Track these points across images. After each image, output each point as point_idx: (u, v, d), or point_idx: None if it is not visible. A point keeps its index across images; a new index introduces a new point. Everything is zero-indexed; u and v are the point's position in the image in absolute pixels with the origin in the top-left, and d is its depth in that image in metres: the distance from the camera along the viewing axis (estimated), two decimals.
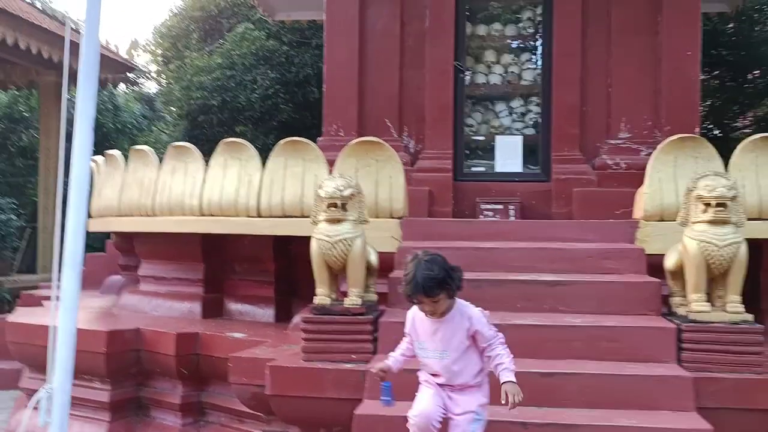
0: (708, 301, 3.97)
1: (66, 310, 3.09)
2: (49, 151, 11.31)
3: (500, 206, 6.80)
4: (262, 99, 12.31)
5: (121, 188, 6.33)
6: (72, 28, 9.68)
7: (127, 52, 12.76)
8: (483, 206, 6.79)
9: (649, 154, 5.18)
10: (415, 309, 3.21)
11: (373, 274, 4.36)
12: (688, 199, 4.04)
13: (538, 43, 7.45)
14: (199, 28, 14.46)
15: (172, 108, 14.37)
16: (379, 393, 3.65)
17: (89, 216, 6.89)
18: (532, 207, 6.88)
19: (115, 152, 6.80)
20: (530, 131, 7.43)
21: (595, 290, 4.39)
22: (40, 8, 11.03)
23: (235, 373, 4.44)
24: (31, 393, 5.07)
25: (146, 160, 6.15)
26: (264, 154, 5.54)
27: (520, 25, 7.65)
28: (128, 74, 12.59)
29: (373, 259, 4.32)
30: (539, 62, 7.40)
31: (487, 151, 7.49)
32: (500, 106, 7.58)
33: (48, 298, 6.49)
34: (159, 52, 15.80)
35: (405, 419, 3.27)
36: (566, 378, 3.78)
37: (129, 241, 6.92)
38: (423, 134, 7.24)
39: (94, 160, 7.01)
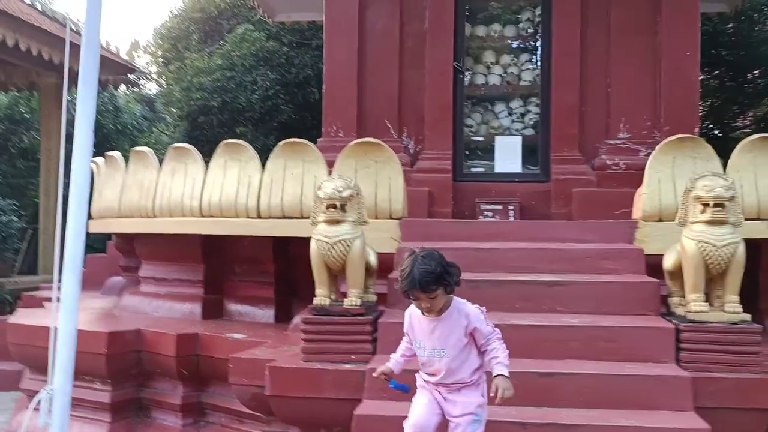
0: (706, 301, 3.98)
1: (66, 312, 3.11)
2: (50, 153, 11.33)
3: (500, 207, 6.81)
4: (262, 100, 12.33)
5: (122, 190, 6.35)
6: (72, 30, 9.71)
7: (127, 53, 12.75)
8: (483, 207, 6.80)
9: (649, 155, 5.19)
10: (412, 307, 3.19)
11: (373, 275, 4.37)
12: (687, 200, 4.05)
13: (538, 43, 7.46)
14: (199, 29, 14.49)
15: (172, 109, 14.39)
16: (378, 393, 3.67)
17: (90, 217, 6.93)
18: (531, 207, 6.89)
19: (116, 154, 6.82)
20: (529, 132, 7.44)
21: (594, 290, 4.40)
22: (40, 10, 11.05)
23: (235, 373, 4.45)
24: (32, 394, 5.08)
25: (146, 161, 6.16)
26: (264, 155, 5.55)
27: (520, 25, 7.67)
28: (129, 76, 12.61)
29: (373, 259, 4.33)
30: (539, 63, 7.42)
31: (487, 151, 7.50)
32: (500, 107, 7.59)
33: (49, 299, 6.50)
34: (159, 53, 15.82)
35: (404, 419, 3.28)
36: (565, 378, 3.79)
37: (130, 243, 6.93)
38: (422, 135, 7.25)
39: (94, 162, 7.03)
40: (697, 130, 6.80)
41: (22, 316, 6.22)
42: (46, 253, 11.23)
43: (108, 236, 8.19)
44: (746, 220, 4.45)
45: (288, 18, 10.38)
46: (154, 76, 17.29)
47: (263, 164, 5.47)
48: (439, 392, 3.19)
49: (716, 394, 3.71)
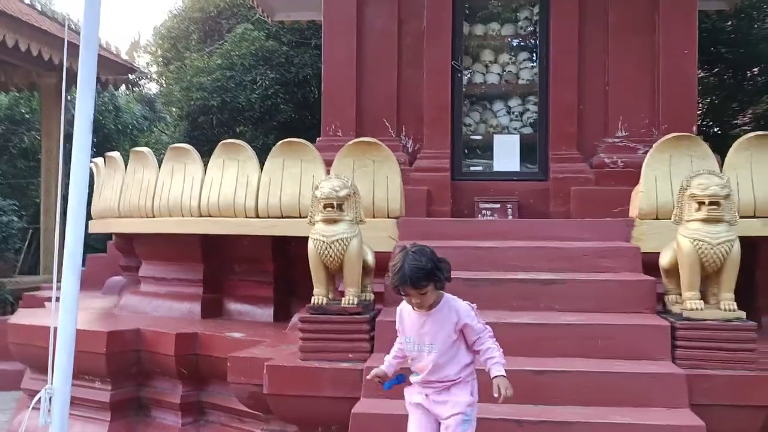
0: (702, 298, 4.00)
1: (66, 312, 3.13)
2: (51, 153, 11.35)
3: (498, 205, 6.83)
4: (261, 99, 12.34)
5: (121, 190, 6.37)
6: (72, 29, 9.74)
7: (127, 53, 12.73)
8: (481, 205, 6.82)
9: (647, 153, 5.21)
10: (403, 303, 3.20)
11: (370, 274, 4.39)
12: (682, 198, 4.06)
13: (536, 42, 7.47)
14: (199, 29, 14.50)
15: (172, 109, 14.40)
16: (375, 391, 3.69)
17: (90, 217, 6.97)
18: (530, 206, 6.91)
19: (115, 154, 6.84)
20: (528, 130, 7.46)
21: (591, 288, 4.41)
22: (40, 10, 11.07)
23: (234, 372, 4.47)
24: (32, 394, 5.10)
25: (145, 161, 6.19)
26: (264, 154, 5.56)
27: (518, 24, 7.67)
28: (129, 76, 12.63)
29: (370, 258, 4.35)
30: (537, 61, 7.43)
31: (486, 150, 7.52)
32: (498, 106, 7.60)
33: (50, 299, 6.53)
34: (159, 53, 15.84)
35: (401, 417, 3.30)
36: (561, 376, 3.81)
37: (129, 242, 6.96)
38: (421, 134, 7.28)
39: (94, 162, 7.06)
40: (695, 128, 6.82)
41: (23, 316, 6.25)
42: (47, 253, 11.26)
43: (108, 236, 8.22)
44: (742, 217, 4.47)
45: (287, 17, 10.40)
46: (154, 76, 17.31)
47: (262, 164, 5.49)
48: (427, 396, 3.15)
49: (711, 391, 3.73)
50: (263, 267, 5.88)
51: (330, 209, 4.15)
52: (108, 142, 14.85)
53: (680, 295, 4.08)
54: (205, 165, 5.74)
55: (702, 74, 12.18)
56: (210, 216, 5.57)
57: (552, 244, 4.91)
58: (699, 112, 12.37)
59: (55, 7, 16.63)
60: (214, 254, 6.05)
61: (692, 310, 3.93)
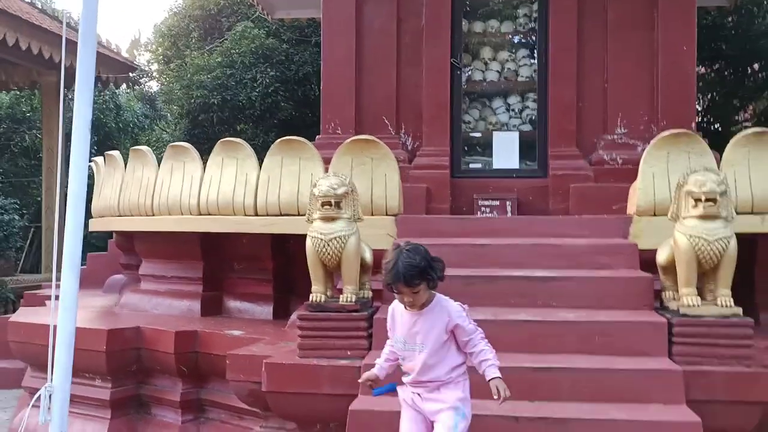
0: (699, 295, 4.01)
1: (65, 310, 3.15)
2: (52, 152, 11.39)
3: (497, 203, 6.84)
4: (262, 97, 12.35)
5: (121, 188, 6.39)
6: (71, 27, 9.75)
7: (128, 51, 12.78)
8: (480, 203, 6.83)
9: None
10: (395, 303, 3.20)
11: (368, 271, 4.40)
12: (679, 195, 4.07)
13: (535, 39, 7.47)
14: (199, 26, 14.51)
15: (174, 107, 14.41)
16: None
17: (90, 216, 6.99)
18: (529, 203, 6.92)
19: (115, 153, 6.86)
20: (527, 127, 7.46)
21: (589, 285, 4.42)
22: (41, 8, 11.10)
23: (233, 370, 4.49)
24: (33, 391, 5.11)
25: (145, 160, 6.20)
26: (265, 152, 5.56)
27: (517, 21, 7.68)
28: (129, 74, 12.66)
29: (368, 256, 4.36)
30: (536, 58, 7.43)
31: (485, 147, 7.53)
32: (497, 103, 7.61)
33: (51, 297, 6.56)
34: (160, 51, 15.85)
35: (398, 414, 3.32)
36: (558, 372, 3.82)
37: (130, 241, 6.97)
38: (420, 131, 7.28)
39: (94, 161, 7.08)
40: (694, 124, 6.82)
41: (23, 315, 6.26)
42: (48, 252, 11.29)
43: (110, 234, 8.24)
44: (740, 214, 4.48)
45: (287, 15, 10.42)
46: (155, 74, 17.33)
47: (262, 162, 5.50)
48: (419, 395, 3.15)
49: (708, 387, 3.74)
50: (262, 265, 5.90)
51: (328, 207, 4.17)
52: (109, 140, 14.88)
53: (677, 291, 4.09)
54: (206, 163, 5.75)
55: (702, 71, 12.17)
56: (209, 214, 5.58)
57: (550, 241, 4.92)
58: (699, 109, 12.38)
59: (55, 5, 16.65)
60: (214, 252, 6.06)
61: (689, 306, 3.94)
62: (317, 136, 7.33)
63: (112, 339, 5.23)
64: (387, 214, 5.11)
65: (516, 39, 7.77)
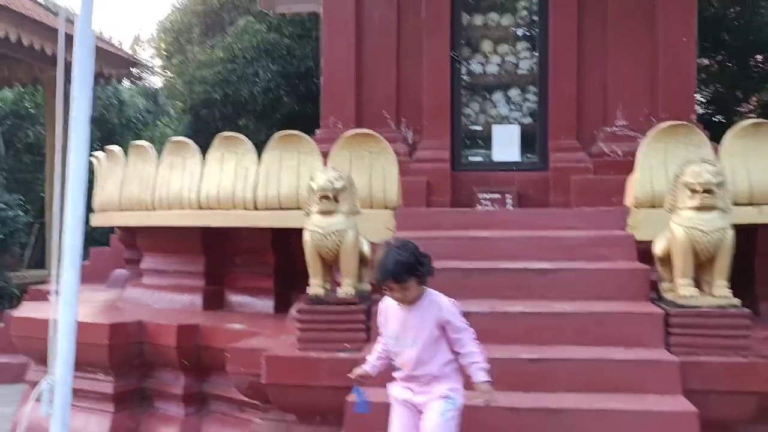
0: (696, 286, 4.02)
1: (66, 304, 3.18)
2: (56, 147, 11.41)
3: (498, 195, 6.84)
4: (264, 92, 12.36)
5: (122, 183, 6.42)
6: (67, 20, 9.76)
7: (130, 48, 12.82)
8: (481, 196, 6.83)
9: None
10: (387, 300, 3.22)
11: (367, 265, 4.42)
12: (676, 186, 4.08)
13: (535, 31, 7.46)
14: (201, 22, 14.52)
15: (177, 102, 14.45)
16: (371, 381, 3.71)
17: (92, 211, 7.03)
18: (529, 196, 6.92)
19: (116, 148, 6.89)
20: (528, 120, 7.46)
21: (586, 277, 4.44)
22: (43, 4, 11.13)
23: (233, 363, 4.52)
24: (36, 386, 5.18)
25: (145, 155, 6.23)
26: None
27: (517, 14, 7.66)
28: (132, 69, 12.68)
29: (366, 249, 4.38)
30: (536, 51, 7.42)
31: (486, 140, 7.52)
32: (497, 96, 7.60)
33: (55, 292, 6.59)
34: (162, 47, 15.88)
35: None
36: (555, 364, 3.84)
37: (132, 236, 7.01)
38: (421, 125, 7.29)
39: (95, 156, 7.11)
40: (693, 116, 6.81)
41: (26, 309, 6.31)
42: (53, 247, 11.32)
43: (112, 230, 8.29)
44: (739, 205, 4.49)
45: (288, 9, 10.42)
46: (157, 69, 17.36)
47: (261, 157, 5.52)
48: (411, 389, 3.16)
49: (704, 377, 3.76)
50: (264, 259, 5.92)
51: (326, 201, 4.19)
52: (112, 135, 14.91)
53: (674, 282, 4.10)
54: (204, 158, 5.77)
55: (705, 62, 12.13)
56: (209, 208, 5.60)
57: (548, 233, 4.93)
58: (702, 101, 12.35)
59: (57, 1, 16.65)
60: (216, 247, 6.09)
61: (685, 297, 3.95)
62: (317, 130, 7.35)
63: (114, 333, 5.27)
64: (386, 208, 5.13)
65: (516, 32, 7.76)
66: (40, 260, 12.48)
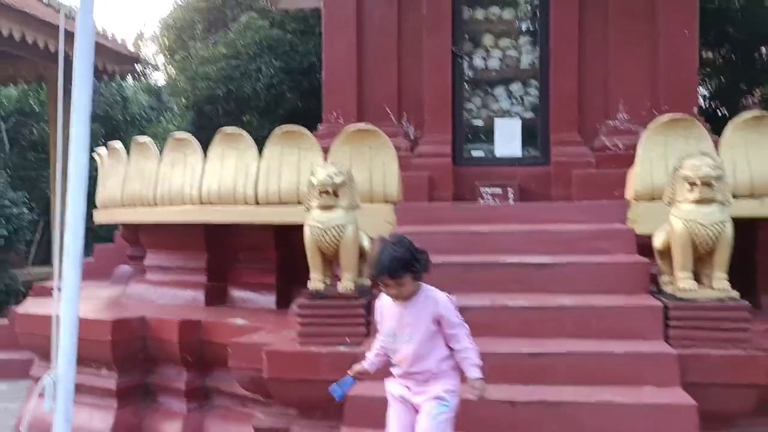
0: (696, 279, 4.02)
1: (67, 300, 3.20)
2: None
3: (500, 190, 6.83)
4: (267, 88, 12.36)
5: (124, 180, 6.44)
6: (67, 16, 9.79)
7: (133, 45, 12.82)
8: (483, 190, 6.82)
9: None
10: (383, 297, 3.22)
11: (366, 259, 4.43)
12: (675, 179, 4.08)
13: (537, 26, 7.45)
14: (204, 18, 14.52)
15: (182, 98, 14.46)
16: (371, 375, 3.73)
17: (95, 207, 7.05)
18: (531, 190, 6.91)
19: (118, 144, 6.91)
20: (529, 114, 7.45)
21: (586, 271, 4.45)
22: (46, 2, 11.14)
23: (235, 358, 4.55)
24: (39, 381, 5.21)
25: (147, 152, 6.25)
26: None
27: (518, 7, 7.65)
28: (135, 66, 12.69)
29: (366, 244, 4.39)
30: (538, 45, 7.41)
31: (488, 135, 7.51)
32: (499, 90, 7.59)
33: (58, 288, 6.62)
34: (166, 43, 15.89)
35: None
36: (554, 357, 3.85)
37: (135, 232, 7.04)
38: (422, 120, 7.28)
39: (97, 153, 7.14)
40: (695, 109, 6.79)
41: (30, 306, 6.35)
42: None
43: (116, 226, 8.32)
44: (740, 197, 4.48)
45: (291, 5, 10.43)
46: (161, 66, 17.39)
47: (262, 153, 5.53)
48: (408, 388, 3.16)
49: (704, 370, 3.77)
50: (266, 255, 5.94)
51: (326, 196, 4.21)
52: (116, 132, 14.96)
53: (674, 275, 4.10)
54: (205, 155, 5.78)
55: (709, 55, 12.07)
56: (211, 204, 5.62)
57: (549, 227, 4.94)
58: (706, 94, 12.29)
59: None
60: (218, 243, 6.11)
61: (685, 290, 3.96)
62: (319, 126, 7.36)
63: (117, 329, 5.30)
64: (386, 202, 5.14)
65: (517, 26, 7.74)
66: (45, 257, 12.55)
